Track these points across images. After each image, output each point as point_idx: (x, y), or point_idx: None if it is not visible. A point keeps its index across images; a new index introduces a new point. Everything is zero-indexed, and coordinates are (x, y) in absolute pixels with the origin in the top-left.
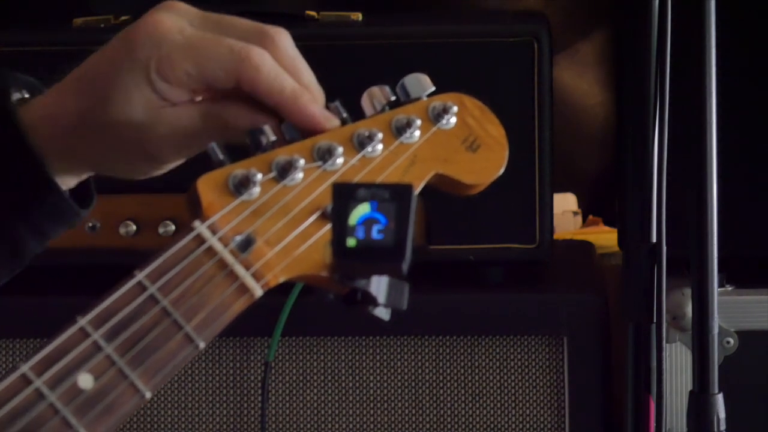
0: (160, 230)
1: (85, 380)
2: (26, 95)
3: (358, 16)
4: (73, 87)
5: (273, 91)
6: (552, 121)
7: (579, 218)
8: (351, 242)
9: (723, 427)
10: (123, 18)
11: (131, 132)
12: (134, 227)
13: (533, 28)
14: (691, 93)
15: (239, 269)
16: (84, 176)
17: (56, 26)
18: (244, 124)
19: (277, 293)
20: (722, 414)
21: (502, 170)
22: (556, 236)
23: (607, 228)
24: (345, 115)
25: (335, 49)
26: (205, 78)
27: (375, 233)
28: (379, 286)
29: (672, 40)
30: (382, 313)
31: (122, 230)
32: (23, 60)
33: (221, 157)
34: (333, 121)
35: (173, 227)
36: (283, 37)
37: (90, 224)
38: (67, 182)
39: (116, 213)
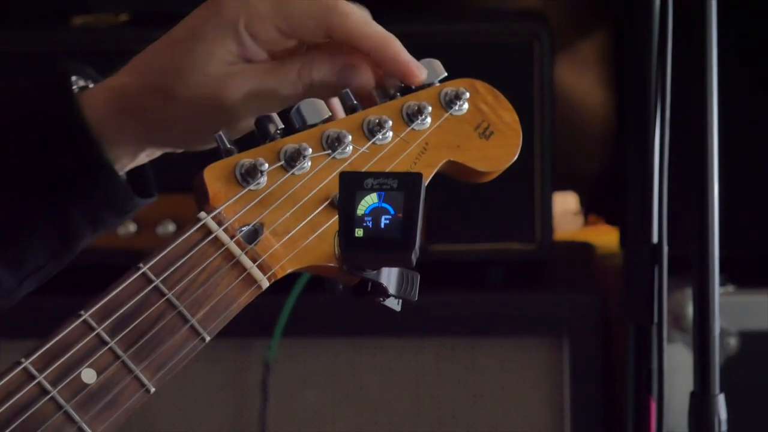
0: (159, 230)
1: (89, 375)
2: (90, 85)
3: None
4: (152, 53)
5: (365, 35)
6: (552, 121)
7: (579, 218)
8: (358, 232)
9: (724, 428)
10: (122, 16)
11: (206, 89)
12: (133, 227)
13: (533, 28)
14: (692, 93)
15: (246, 261)
16: (142, 154)
17: (55, 26)
18: (327, 72)
19: (277, 293)
20: (723, 415)
21: (515, 157)
22: (556, 236)
23: (607, 228)
24: (354, 102)
25: None
26: (294, 30)
27: (383, 223)
28: (389, 276)
29: (673, 40)
30: (393, 303)
31: (121, 230)
32: (23, 60)
33: (228, 145)
34: (424, 72)
35: (172, 227)
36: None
37: None
38: (123, 163)
39: None
